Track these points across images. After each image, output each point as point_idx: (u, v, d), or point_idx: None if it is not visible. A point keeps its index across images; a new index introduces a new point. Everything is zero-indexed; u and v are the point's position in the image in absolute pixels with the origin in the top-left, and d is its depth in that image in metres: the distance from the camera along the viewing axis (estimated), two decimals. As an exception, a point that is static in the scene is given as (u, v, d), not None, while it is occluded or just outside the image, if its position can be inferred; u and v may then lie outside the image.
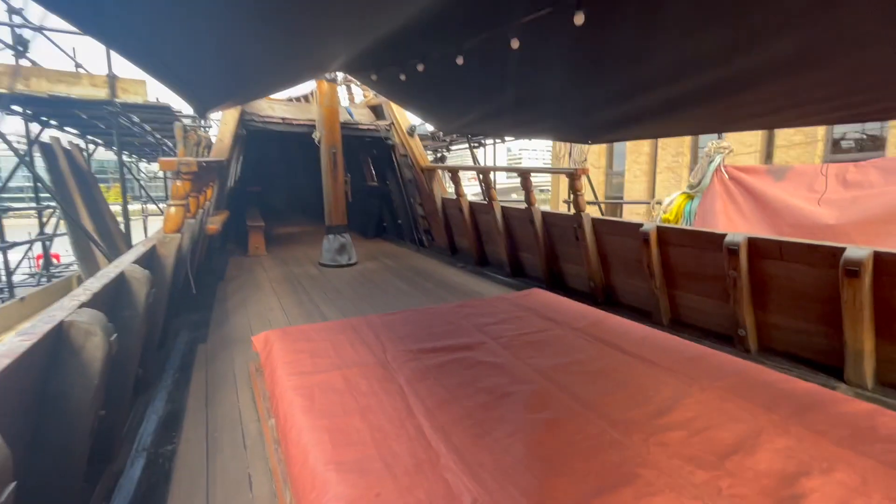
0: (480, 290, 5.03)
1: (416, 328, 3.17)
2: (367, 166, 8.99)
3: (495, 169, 5.95)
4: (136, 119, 4.81)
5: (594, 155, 16.44)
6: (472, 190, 6.87)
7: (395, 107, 6.86)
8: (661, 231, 3.71)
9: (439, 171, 6.62)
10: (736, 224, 4.53)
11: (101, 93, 4.46)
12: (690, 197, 5.22)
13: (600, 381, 2.37)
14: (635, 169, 15.45)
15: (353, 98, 8.21)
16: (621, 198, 17.15)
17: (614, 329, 3.16)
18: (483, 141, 8.67)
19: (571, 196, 4.39)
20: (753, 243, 3.07)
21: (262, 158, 10.66)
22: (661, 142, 13.96)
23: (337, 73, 5.88)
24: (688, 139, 14.16)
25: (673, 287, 3.79)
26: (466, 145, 9.30)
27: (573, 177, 4.24)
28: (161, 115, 5.91)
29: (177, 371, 2.94)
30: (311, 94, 8.67)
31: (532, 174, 4.98)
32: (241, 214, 7.73)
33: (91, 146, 7.33)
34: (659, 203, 5.62)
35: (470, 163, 9.71)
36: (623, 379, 2.40)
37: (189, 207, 3.16)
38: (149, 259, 2.59)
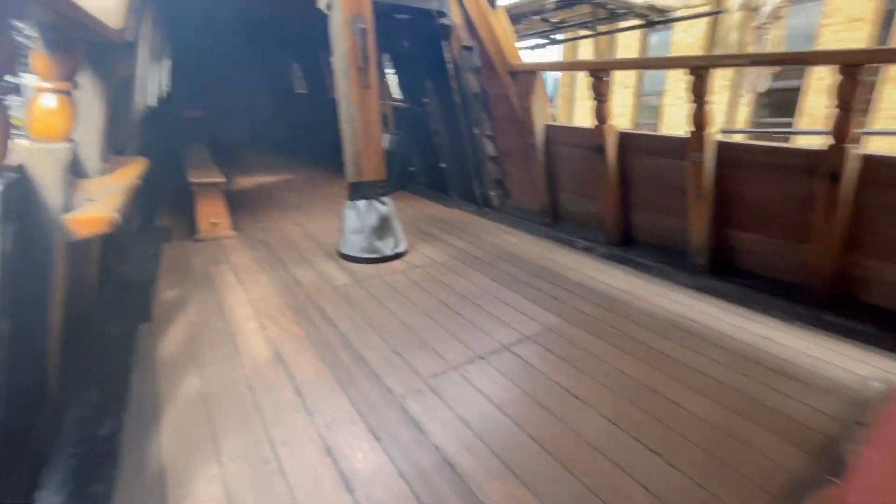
0: (689, 315, 2.47)
1: None
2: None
3: (738, 62, 2.47)
4: None
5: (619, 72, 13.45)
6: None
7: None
8: None
9: (540, 77, 3.66)
10: None
11: None
12: None
13: None
14: (678, 89, 12.71)
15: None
16: (654, 126, 14.38)
17: None
18: (552, 38, 5.60)
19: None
20: None
21: (198, 55, 6.89)
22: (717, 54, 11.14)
23: None
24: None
25: None
26: (545, 41, 6.11)
27: None
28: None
29: None
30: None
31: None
32: (174, 161, 4.53)
33: None
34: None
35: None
36: None
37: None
38: None
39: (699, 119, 2.68)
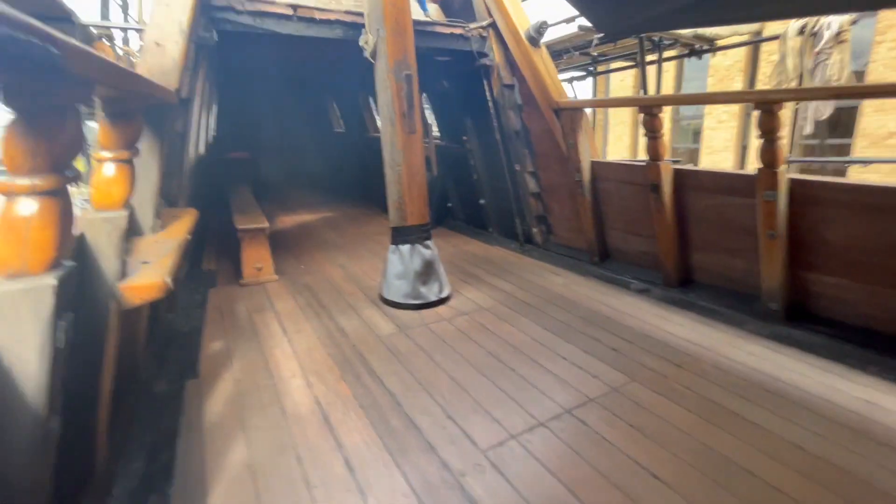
0: (771, 371, 2.19)
1: None
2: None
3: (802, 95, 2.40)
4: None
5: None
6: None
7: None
8: None
9: (587, 115, 3.57)
10: None
11: None
12: None
13: None
14: (719, 111, 12.32)
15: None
16: (696, 150, 13.89)
17: None
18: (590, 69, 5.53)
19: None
20: None
21: (242, 98, 7.21)
22: (768, 71, 10.74)
23: None
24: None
25: None
26: (582, 73, 6.06)
27: None
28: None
29: None
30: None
31: None
32: (219, 200, 4.65)
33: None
34: None
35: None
36: None
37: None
38: None
39: (769, 156, 2.48)
